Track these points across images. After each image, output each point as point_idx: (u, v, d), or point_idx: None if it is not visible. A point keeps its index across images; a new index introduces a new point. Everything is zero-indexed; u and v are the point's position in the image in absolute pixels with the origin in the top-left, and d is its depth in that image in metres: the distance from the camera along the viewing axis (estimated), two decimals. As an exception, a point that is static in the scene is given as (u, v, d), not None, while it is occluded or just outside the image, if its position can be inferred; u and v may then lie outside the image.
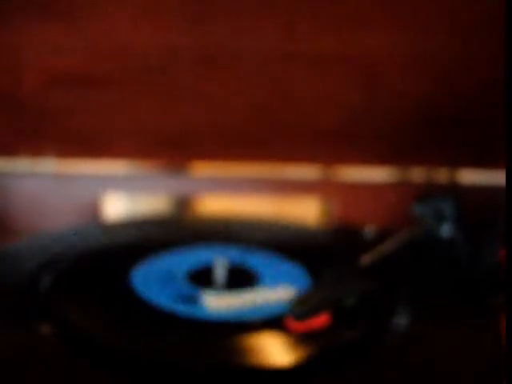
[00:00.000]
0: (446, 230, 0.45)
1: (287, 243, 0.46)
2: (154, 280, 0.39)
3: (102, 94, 0.52)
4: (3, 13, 0.45)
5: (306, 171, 0.59)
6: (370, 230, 0.50)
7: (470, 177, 0.56)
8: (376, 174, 0.58)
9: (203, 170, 0.59)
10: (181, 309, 0.34)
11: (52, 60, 0.49)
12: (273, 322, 0.33)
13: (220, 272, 0.39)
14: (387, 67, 0.51)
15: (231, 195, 0.58)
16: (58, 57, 0.49)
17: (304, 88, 0.52)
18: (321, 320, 0.32)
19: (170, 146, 0.56)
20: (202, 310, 0.35)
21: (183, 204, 0.61)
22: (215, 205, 0.60)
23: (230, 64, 0.50)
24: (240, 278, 0.39)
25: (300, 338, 0.31)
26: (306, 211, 0.59)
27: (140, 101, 0.53)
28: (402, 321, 0.34)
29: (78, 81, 0.50)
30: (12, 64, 0.49)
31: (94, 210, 0.57)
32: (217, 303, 0.35)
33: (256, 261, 0.42)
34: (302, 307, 0.32)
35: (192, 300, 0.35)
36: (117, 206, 0.59)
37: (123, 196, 0.59)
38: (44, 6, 0.45)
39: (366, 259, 0.39)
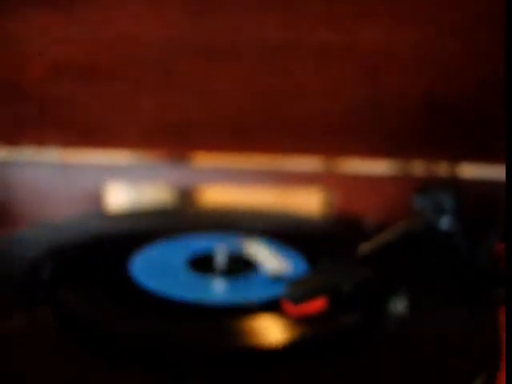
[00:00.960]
0: (445, 222, 0.45)
1: (287, 232, 0.47)
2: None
3: (105, 84, 0.52)
4: (9, 2, 0.45)
5: (308, 163, 0.59)
6: (370, 221, 0.50)
7: (471, 170, 0.57)
8: (377, 167, 0.59)
9: (205, 160, 0.59)
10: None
11: (55, 50, 0.49)
12: (270, 305, 0.33)
13: (220, 259, 0.39)
14: (390, 60, 0.51)
15: (233, 186, 0.58)
16: (61, 47, 0.49)
17: (306, 80, 0.52)
18: (317, 304, 0.32)
19: (173, 136, 0.57)
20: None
21: (185, 194, 0.61)
22: (217, 195, 0.60)
23: (231, 55, 0.50)
24: (240, 266, 0.39)
25: (296, 321, 0.31)
26: (307, 202, 0.60)
27: (143, 91, 0.53)
28: (397, 308, 0.34)
29: (81, 71, 0.51)
30: (16, 53, 0.49)
31: (96, 200, 0.58)
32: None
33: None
34: (298, 291, 0.32)
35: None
36: (119, 196, 0.59)
37: (125, 186, 0.59)
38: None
39: (365, 248, 0.39)
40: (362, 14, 0.47)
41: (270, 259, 0.39)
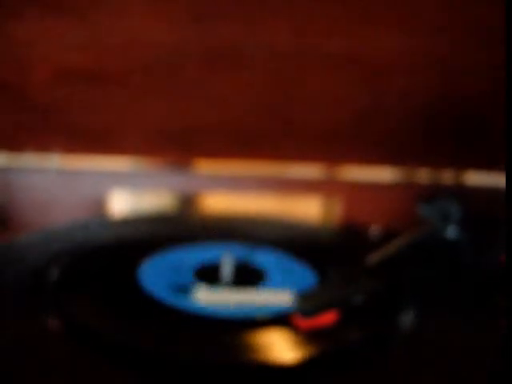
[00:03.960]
0: (451, 231, 0.45)
1: (294, 241, 0.47)
2: (161, 276, 0.39)
3: (110, 90, 0.52)
4: (15, 7, 0.45)
5: (311, 170, 0.59)
6: (375, 230, 0.50)
7: (476, 178, 0.57)
8: (381, 174, 0.59)
9: (207, 167, 0.59)
10: (188, 305, 0.34)
11: (61, 56, 0.49)
12: (280, 318, 0.33)
13: (227, 269, 0.39)
14: (394, 68, 0.51)
15: (235, 193, 0.58)
16: (66, 53, 0.49)
17: (309, 87, 0.52)
18: (328, 317, 0.32)
19: (176, 143, 0.56)
20: (206, 307, 0.35)
21: (187, 201, 0.61)
22: (219, 202, 0.60)
23: (237, 62, 0.50)
24: (247, 276, 0.39)
25: (307, 336, 0.31)
26: (308, 210, 0.59)
27: (147, 98, 0.53)
28: (406, 321, 0.34)
29: (86, 77, 0.50)
30: (21, 58, 0.49)
31: (99, 206, 0.57)
32: (207, 298, 0.35)
33: (263, 259, 0.42)
34: (309, 304, 0.32)
35: (187, 292, 0.35)
36: (122, 203, 0.59)
37: (128, 192, 0.59)
38: (55, 1, 0.45)
39: (373, 259, 0.39)
40: (370, 22, 0.47)
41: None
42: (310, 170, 0.59)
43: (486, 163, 0.56)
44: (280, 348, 0.30)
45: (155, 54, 0.49)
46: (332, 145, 0.57)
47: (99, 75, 0.51)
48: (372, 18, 0.47)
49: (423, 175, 0.58)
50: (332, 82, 0.52)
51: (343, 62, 0.50)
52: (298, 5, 0.46)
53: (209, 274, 0.39)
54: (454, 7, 0.47)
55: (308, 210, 0.60)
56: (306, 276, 0.39)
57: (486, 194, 0.55)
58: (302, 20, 0.47)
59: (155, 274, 0.39)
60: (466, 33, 0.48)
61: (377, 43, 0.49)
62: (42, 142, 0.56)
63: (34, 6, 0.45)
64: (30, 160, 0.57)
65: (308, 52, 0.50)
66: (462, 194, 0.55)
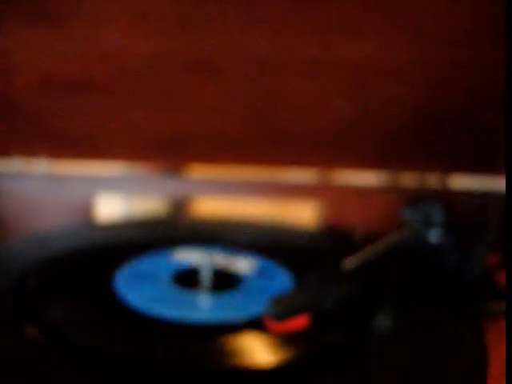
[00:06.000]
0: (434, 235, 0.45)
1: (275, 245, 0.47)
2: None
3: (96, 97, 0.52)
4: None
5: (301, 175, 0.59)
6: (359, 233, 0.50)
7: (461, 182, 0.57)
8: (367, 178, 0.59)
9: (198, 172, 0.59)
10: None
11: (45, 64, 0.49)
12: (254, 322, 0.33)
13: (205, 274, 0.39)
14: (379, 73, 0.51)
15: (227, 198, 0.58)
16: (50, 61, 0.49)
17: (295, 93, 0.52)
18: (300, 321, 0.32)
19: (165, 148, 0.57)
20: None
21: (178, 206, 0.61)
22: (210, 207, 0.60)
23: (221, 69, 0.50)
24: (225, 280, 0.39)
25: (279, 340, 0.31)
26: (301, 214, 0.60)
27: (134, 104, 0.53)
28: (382, 324, 0.34)
29: (71, 85, 0.51)
30: (5, 66, 0.49)
31: (87, 212, 0.58)
32: None
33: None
34: (281, 308, 0.32)
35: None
36: (110, 208, 0.59)
37: (118, 197, 0.59)
38: (37, 11, 0.45)
39: (351, 261, 0.39)
40: (353, 29, 0.47)
41: None
42: (299, 175, 0.59)
43: (472, 167, 0.56)
44: (252, 352, 0.31)
45: (140, 62, 0.50)
46: (321, 150, 0.57)
47: (85, 83, 0.51)
48: (353, 25, 0.47)
49: (410, 179, 0.59)
50: (319, 88, 0.52)
51: (329, 67, 0.50)
52: (281, 13, 0.46)
53: (187, 279, 0.39)
54: (439, 11, 0.47)
55: (300, 214, 0.60)
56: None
57: (472, 198, 0.55)
58: (286, 27, 0.48)
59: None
60: (451, 37, 0.48)
61: (361, 49, 0.49)
62: (29, 148, 0.56)
63: (16, 16, 0.45)
64: (16, 165, 0.57)
65: (292, 59, 0.50)
66: (448, 197, 0.55)
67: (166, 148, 0.56)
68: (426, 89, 0.52)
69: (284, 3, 0.46)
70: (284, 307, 0.32)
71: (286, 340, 0.31)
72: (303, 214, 0.60)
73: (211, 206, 0.60)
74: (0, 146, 0.56)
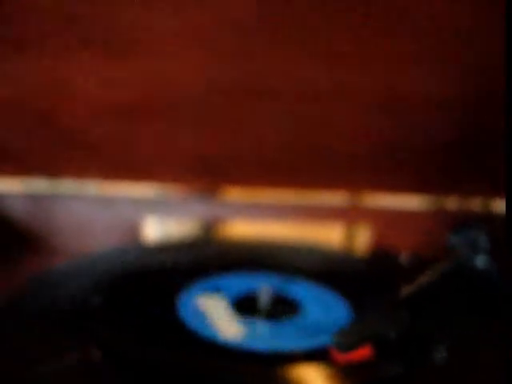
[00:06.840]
0: (480, 261, 0.45)
1: (326, 271, 0.48)
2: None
3: (146, 123, 0.54)
4: (61, 47, 0.47)
5: (335, 197, 0.60)
6: (406, 257, 0.51)
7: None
8: (408, 202, 0.59)
9: (232, 195, 0.60)
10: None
11: (101, 91, 0.51)
12: (315, 353, 0.34)
13: (264, 300, 0.40)
14: (419, 101, 0.51)
15: (260, 220, 0.59)
16: (106, 89, 0.51)
17: (335, 116, 0.53)
18: (364, 352, 0.33)
19: (205, 171, 0.58)
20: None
21: (212, 229, 0.62)
22: (244, 230, 0.61)
23: (265, 95, 0.51)
24: (284, 308, 0.40)
25: (343, 370, 0.32)
26: (332, 237, 0.61)
27: (180, 129, 0.54)
28: (441, 354, 0.34)
29: (123, 111, 0.52)
30: (63, 92, 0.51)
31: (133, 233, 0.59)
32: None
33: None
34: (345, 338, 0.33)
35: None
36: (155, 229, 0.61)
37: (160, 219, 0.60)
38: (97, 38, 0.47)
39: (406, 290, 0.40)
40: (394, 58, 0.48)
41: (224, 321, 0.38)
42: (334, 198, 0.60)
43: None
44: (316, 383, 0.31)
45: (187, 88, 0.51)
46: (356, 172, 0.58)
47: (137, 110, 0.52)
48: (400, 54, 0.48)
49: (454, 202, 0.59)
50: (358, 111, 0.53)
51: (369, 93, 0.51)
52: (323, 39, 0.47)
53: (246, 306, 0.40)
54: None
55: (331, 237, 0.61)
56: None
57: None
58: (328, 54, 0.48)
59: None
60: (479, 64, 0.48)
61: (402, 77, 0.50)
62: (81, 170, 0.58)
63: (77, 45, 0.47)
64: (69, 187, 0.59)
65: (336, 85, 0.51)
66: (491, 221, 0.56)
67: (206, 171, 0.58)
68: (467, 113, 0.52)
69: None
70: (349, 338, 0.33)
71: (347, 370, 0.32)
72: (338, 237, 0.61)
73: (244, 229, 0.61)
74: (54, 168, 0.57)
